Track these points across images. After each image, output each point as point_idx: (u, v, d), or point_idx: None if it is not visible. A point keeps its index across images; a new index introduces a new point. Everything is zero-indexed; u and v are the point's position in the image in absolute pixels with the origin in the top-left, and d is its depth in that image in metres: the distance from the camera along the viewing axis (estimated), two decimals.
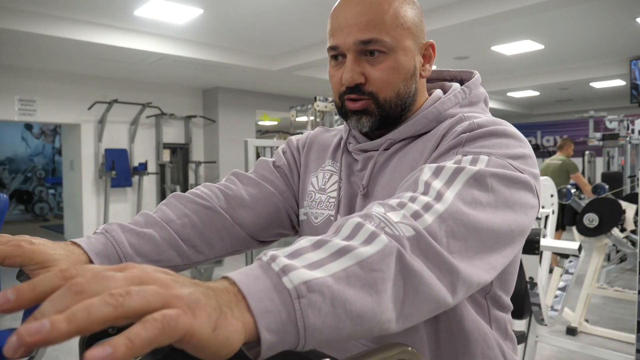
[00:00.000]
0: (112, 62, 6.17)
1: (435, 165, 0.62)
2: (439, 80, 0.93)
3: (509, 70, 7.97)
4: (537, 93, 9.69)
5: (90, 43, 5.16)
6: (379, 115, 0.79)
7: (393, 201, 0.55)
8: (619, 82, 8.34)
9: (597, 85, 8.74)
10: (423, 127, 0.79)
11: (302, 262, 0.44)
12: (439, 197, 0.56)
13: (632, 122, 7.37)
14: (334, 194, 0.87)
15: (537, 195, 0.68)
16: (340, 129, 0.96)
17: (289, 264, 0.43)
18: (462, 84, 0.89)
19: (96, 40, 5.14)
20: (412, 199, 0.55)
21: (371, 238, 0.48)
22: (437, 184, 0.58)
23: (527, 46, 6.33)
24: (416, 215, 0.53)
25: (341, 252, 0.46)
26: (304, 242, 0.48)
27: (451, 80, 0.92)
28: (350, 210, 0.84)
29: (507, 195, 0.62)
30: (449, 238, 0.53)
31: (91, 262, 0.68)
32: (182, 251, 0.81)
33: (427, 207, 0.54)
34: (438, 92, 0.84)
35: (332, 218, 0.85)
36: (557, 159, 5.57)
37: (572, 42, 6.29)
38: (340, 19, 0.77)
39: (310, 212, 0.89)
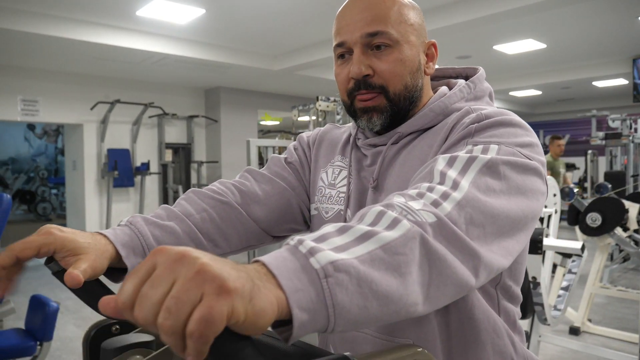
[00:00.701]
0: (114, 62, 6.18)
1: (448, 155, 0.63)
2: (444, 77, 0.94)
3: (511, 70, 7.95)
4: (539, 92, 9.67)
5: (92, 43, 5.17)
6: (390, 110, 0.80)
7: (412, 191, 0.57)
8: (622, 81, 8.32)
9: (600, 84, 8.72)
10: (430, 120, 0.81)
11: (328, 246, 0.45)
12: (455, 185, 0.57)
13: (635, 121, 7.35)
14: (344, 189, 0.88)
15: (545, 182, 0.70)
16: (349, 126, 0.97)
17: (316, 246, 0.44)
18: (467, 80, 0.90)
19: (98, 41, 5.15)
20: (430, 189, 0.57)
21: (394, 223, 0.50)
22: (452, 173, 0.59)
23: (529, 45, 6.32)
24: (436, 204, 0.54)
25: (365, 237, 0.47)
26: (328, 227, 0.49)
27: (456, 77, 0.94)
28: (361, 205, 0.85)
29: (518, 181, 0.63)
30: (468, 225, 0.55)
31: (117, 252, 0.71)
32: (202, 244, 0.84)
33: (445, 196, 0.56)
34: (444, 88, 0.86)
35: (342, 212, 0.86)
36: None
37: (574, 41, 6.28)
38: (346, 17, 0.80)
39: (321, 207, 0.91)
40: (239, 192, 0.90)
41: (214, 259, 0.38)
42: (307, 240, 0.45)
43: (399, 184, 0.77)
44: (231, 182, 0.93)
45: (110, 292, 0.66)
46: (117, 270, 0.75)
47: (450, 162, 0.61)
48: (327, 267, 0.43)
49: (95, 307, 0.58)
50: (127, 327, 0.77)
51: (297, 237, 0.46)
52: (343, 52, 0.81)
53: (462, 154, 0.63)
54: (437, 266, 0.50)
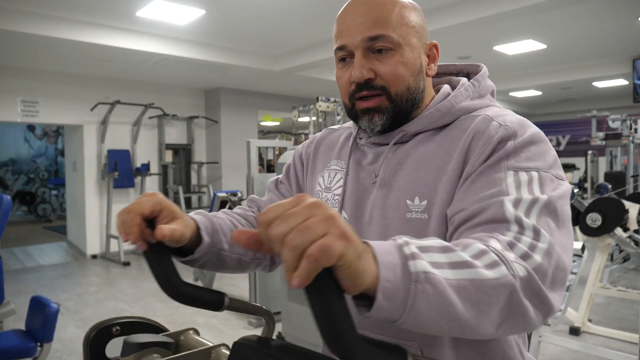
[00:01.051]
0: (114, 63, 6.19)
1: (514, 197, 0.65)
2: (445, 74, 0.94)
3: (511, 70, 7.96)
4: (539, 93, 9.68)
5: (92, 44, 5.18)
6: (392, 111, 0.80)
7: (502, 238, 0.61)
8: (622, 82, 8.32)
9: (600, 84, 8.72)
10: (437, 120, 0.80)
11: (427, 258, 0.52)
12: (537, 234, 0.62)
13: (635, 122, 7.35)
14: (339, 191, 0.88)
15: None
16: (347, 126, 0.98)
17: (417, 253, 0.51)
18: (468, 77, 0.90)
19: (98, 41, 5.15)
20: (517, 239, 0.61)
21: (493, 265, 0.55)
22: (526, 220, 0.63)
23: (529, 46, 6.32)
24: (525, 256, 0.59)
25: (463, 265, 0.53)
26: (434, 242, 0.55)
27: (457, 74, 0.94)
28: (359, 205, 0.85)
29: (565, 215, 0.68)
30: (555, 270, 0.61)
31: (198, 228, 0.78)
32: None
33: (532, 247, 0.61)
34: (446, 87, 0.86)
35: None
36: None
37: (574, 42, 6.28)
38: (347, 20, 0.79)
39: None
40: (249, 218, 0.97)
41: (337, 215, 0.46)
42: (412, 245, 0.52)
43: (409, 183, 0.78)
44: (240, 210, 0.97)
45: (174, 267, 0.72)
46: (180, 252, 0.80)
47: (517, 203, 0.65)
48: (420, 274, 0.49)
49: (159, 272, 0.69)
50: (127, 328, 0.77)
51: (404, 238, 0.53)
52: (344, 56, 0.81)
53: (526, 195, 0.66)
54: (516, 314, 0.56)
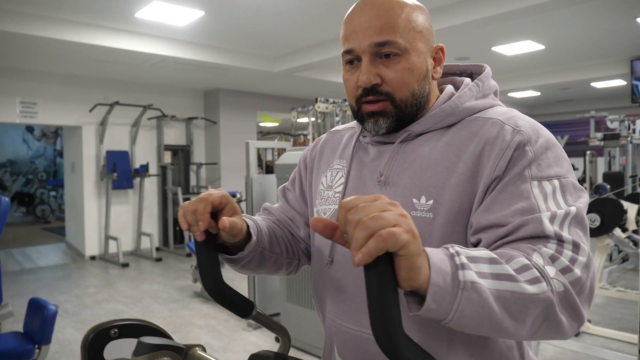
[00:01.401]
0: (113, 64, 6.18)
1: (549, 212, 0.69)
2: (448, 74, 0.96)
3: (509, 71, 7.97)
4: (538, 93, 9.69)
5: (91, 45, 5.17)
6: (396, 115, 0.81)
7: (545, 251, 0.65)
8: (620, 82, 8.34)
9: (598, 85, 8.73)
10: (441, 120, 0.82)
11: (475, 268, 0.58)
12: (576, 248, 0.67)
13: (633, 122, 7.35)
14: (340, 188, 0.90)
15: None
16: (350, 125, 1.01)
17: (467, 264, 0.58)
18: (471, 77, 0.92)
19: (97, 43, 5.15)
20: (559, 252, 0.66)
21: (534, 281, 0.61)
22: (565, 235, 0.67)
23: (527, 46, 6.33)
24: (566, 270, 0.64)
25: (506, 277, 0.60)
26: (482, 253, 0.61)
27: (460, 74, 0.95)
28: None
29: (587, 223, 0.72)
30: (591, 281, 0.66)
31: (248, 228, 0.85)
32: (286, 248, 0.98)
33: (573, 261, 0.65)
34: (450, 87, 0.87)
35: (336, 211, 0.87)
36: None
37: (572, 42, 6.29)
38: (355, 24, 0.80)
39: (320, 209, 0.94)
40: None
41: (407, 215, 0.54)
42: (463, 255, 0.59)
43: (415, 182, 0.79)
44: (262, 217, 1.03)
45: (219, 265, 0.79)
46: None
47: (553, 219, 0.69)
48: (468, 283, 0.56)
49: (206, 267, 0.77)
50: (126, 331, 0.77)
51: (456, 247, 0.60)
52: (352, 59, 0.82)
53: (559, 210, 0.69)
54: (550, 325, 0.63)
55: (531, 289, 0.60)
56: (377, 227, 0.50)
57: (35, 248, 8.03)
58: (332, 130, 1.05)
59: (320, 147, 1.02)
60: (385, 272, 0.51)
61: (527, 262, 0.62)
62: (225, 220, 0.74)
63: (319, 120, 4.71)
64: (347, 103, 4.46)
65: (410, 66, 0.79)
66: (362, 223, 0.50)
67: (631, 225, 3.86)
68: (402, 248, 0.50)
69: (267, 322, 0.83)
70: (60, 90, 6.81)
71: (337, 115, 4.46)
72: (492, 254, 0.61)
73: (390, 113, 0.81)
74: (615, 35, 5.95)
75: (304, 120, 5.83)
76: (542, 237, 0.67)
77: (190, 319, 4.28)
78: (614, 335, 3.50)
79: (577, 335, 3.54)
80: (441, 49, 0.86)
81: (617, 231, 3.70)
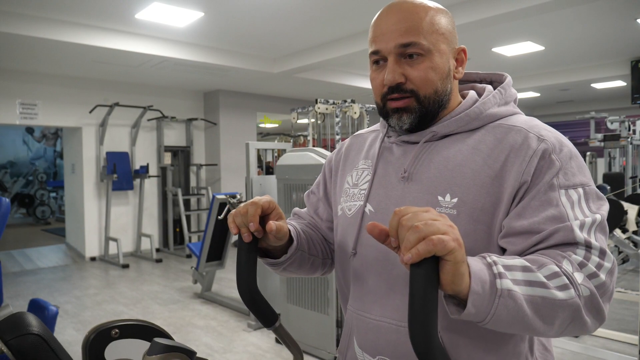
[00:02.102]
0: (113, 65, 6.19)
1: (579, 221, 0.75)
2: (468, 81, 1.01)
3: (510, 72, 7.96)
4: (538, 94, 9.69)
5: (91, 46, 5.17)
6: (419, 112, 0.86)
7: (574, 258, 0.72)
8: (620, 83, 8.34)
9: (598, 86, 8.74)
10: (465, 124, 0.87)
11: (511, 276, 0.66)
12: (602, 254, 0.73)
13: (634, 123, 7.36)
14: (365, 185, 0.95)
15: None
16: (373, 128, 1.07)
17: (503, 272, 0.65)
18: (491, 85, 0.97)
19: (97, 44, 5.15)
20: (587, 258, 0.72)
21: (563, 288, 0.68)
22: (594, 242, 0.74)
23: (527, 47, 6.33)
24: (593, 275, 0.71)
25: (538, 284, 0.67)
26: (517, 262, 0.69)
27: (480, 82, 1.00)
28: (386, 198, 0.90)
29: (607, 229, 0.80)
30: (614, 284, 0.74)
31: (290, 233, 0.92)
32: (321, 249, 1.05)
33: (599, 267, 0.72)
34: (473, 93, 0.92)
35: (361, 207, 0.93)
36: None
37: (572, 43, 6.29)
38: (382, 27, 0.86)
39: (345, 205, 0.98)
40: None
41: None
42: (500, 265, 0.66)
43: (441, 180, 0.84)
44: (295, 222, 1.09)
45: (255, 270, 0.84)
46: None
47: (582, 227, 0.75)
48: (504, 291, 0.64)
49: (243, 269, 0.82)
50: (126, 331, 0.77)
51: (493, 257, 0.67)
52: (378, 59, 0.87)
53: (588, 219, 0.76)
54: (576, 325, 0.71)
55: (560, 295, 0.67)
56: (428, 232, 0.57)
57: (36, 249, 8.03)
58: (355, 134, 1.10)
59: (345, 150, 1.08)
60: (430, 273, 0.57)
61: (557, 269, 0.69)
62: (272, 223, 0.81)
63: (318, 122, 4.71)
64: (346, 104, 4.46)
65: (434, 65, 0.84)
66: (415, 227, 0.57)
67: (631, 226, 3.86)
68: (449, 254, 0.57)
69: (286, 337, 0.86)
70: (60, 92, 6.82)
71: (337, 117, 4.46)
72: (525, 262, 0.68)
73: (414, 109, 0.86)
74: (615, 36, 5.95)
75: (304, 121, 5.84)
76: (573, 244, 0.73)
77: (191, 319, 4.28)
78: (614, 336, 3.50)
79: (577, 336, 3.54)
80: (463, 51, 0.91)
81: (618, 232, 3.70)
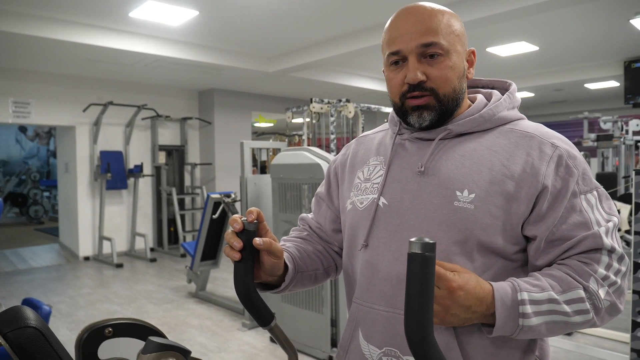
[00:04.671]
0: (107, 64, 6.16)
1: (604, 227, 0.84)
2: (472, 87, 1.06)
3: (504, 72, 8.00)
4: (532, 94, 9.74)
5: (85, 45, 5.15)
6: (439, 109, 0.90)
7: (600, 272, 0.81)
8: (613, 83, 8.39)
9: (592, 86, 8.79)
10: (479, 125, 0.92)
11: (534, 309, 0.78)
12: (620, 259, 0.83)
13: (626, 123, 7.42)
14: (378, 180, 0.97)
15: None
16: (379, 129, 1.10)
17: (528, 313, 0.78)
18: (493, 91, 1.02)
19: (91, 42, 5.12)
20: (609, 267, 0.82)
21: (582, 312, 0.80)
22: (617, 248, 0.83)
23: (522, 47, 6.36)
24: (613, 284, 0.82)
25: (561, 314, 0.79)
26: (546, 295, 0.79)
27: (484, 87, 1.06)
28: (400, 192, 0.93)
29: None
30: (626, 282, 0.84)
31: (285, 261, 0.94)
32: (320, 260, 1.08)
33: (617, 273, 0.82)
34: (482, 97, 0.97)
35: (375, 200, 0.95)
36: None
37: (566, 44, 6.32)
38: (401, 28, 0.90)
39: (356, 199, 1.00)
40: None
41: (468, 290, 0.77)
42: (527, 301, 0.78)
43: (458, 176, 0.88)
44: (295, 233, 1.13)
45: (253, 272, 0.86)
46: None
47: (607, 233, 0.83)
48: (525, 327, 0.78)
49: (241, 269, 0.84)
50: (120, 330, 0.77)
51: (524, 295, 0.78)
52: (397, 59, 0.90)
53: (609, 223, 0.85)
54: (591, 326, 0.83)
55: (578, 318, 0.79)
56: (446, 307, 0.76)
57: (29, 249, 7.98)
58: (360, 135, 1.14)
59: (352, 150, 1.10)
60: (426, 272, 0.62)
61: (583, 294, 0.79)
62: (257, 240, 0.84)
63: (313, 121, 4.71)
64: (341, 104, 4.46)
65: (452, 65, 0.89)
66: (446, 306, 0.76)
67: (624, 225, 3.88)
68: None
69: (281, 337, 0.88)
70: (53, 90, 6.78)
71: (331, 116, 4.46)
72: (553, 295, 0.79)
73: (434, 107, 0.89)
74: (608, 37, 5.99)
75: (299, 120, 5.84)
76: (600, 249, 0.82)
77: (185, 319, 4.27)
78: (607, 335, 3.52)
79: (569, 334, 3.56)
80: (473, 52, 0.96)
81: None
